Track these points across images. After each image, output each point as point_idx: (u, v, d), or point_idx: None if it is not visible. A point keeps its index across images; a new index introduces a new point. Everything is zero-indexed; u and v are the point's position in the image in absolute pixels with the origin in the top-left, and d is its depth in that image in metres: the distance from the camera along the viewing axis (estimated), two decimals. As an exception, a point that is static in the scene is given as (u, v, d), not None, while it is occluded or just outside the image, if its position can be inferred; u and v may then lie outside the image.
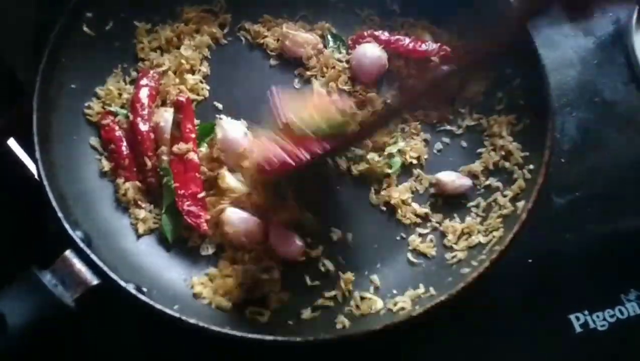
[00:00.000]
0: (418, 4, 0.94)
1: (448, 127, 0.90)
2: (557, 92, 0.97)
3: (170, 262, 0.81)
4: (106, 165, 0.85)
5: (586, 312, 0.83)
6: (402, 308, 0.76)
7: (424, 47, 0.90)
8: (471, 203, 0.84)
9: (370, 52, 0.90)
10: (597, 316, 0.83)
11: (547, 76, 0.81)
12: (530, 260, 0.86)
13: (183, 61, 0.91)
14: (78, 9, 0.85)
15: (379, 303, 0.78)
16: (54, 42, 0.82)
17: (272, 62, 0.94)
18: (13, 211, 0.89)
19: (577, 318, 0.82)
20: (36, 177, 0.80)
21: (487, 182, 0.85)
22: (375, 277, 0.81)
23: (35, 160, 0.76)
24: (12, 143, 0.93)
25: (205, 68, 0.92)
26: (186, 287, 0.79)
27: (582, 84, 1.00)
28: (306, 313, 0.77)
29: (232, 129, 0.83)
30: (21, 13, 1.03)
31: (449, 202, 0.85)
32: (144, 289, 0.72)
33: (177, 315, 0.67)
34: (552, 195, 0.91)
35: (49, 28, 0.86)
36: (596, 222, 0.89)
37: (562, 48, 1.03)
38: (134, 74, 0.91)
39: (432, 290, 0.76)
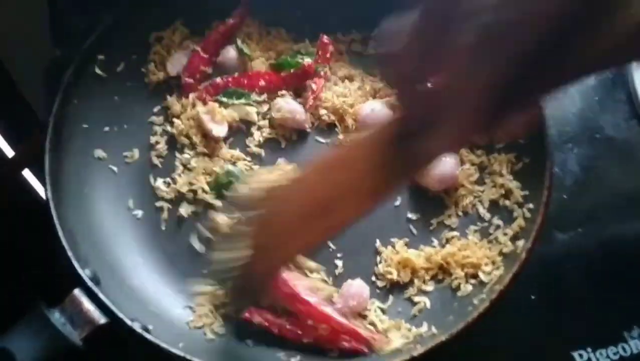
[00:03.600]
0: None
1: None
2: (559, 128, 0.98)
3: (176, 297, 0.83)
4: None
5: (589, 349, 0.83)
6: (406, 344, 0.76)
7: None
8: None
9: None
10: (601, 354, 0.82)
11: (546, 117, 0.82)
12: (533, 297, 0.86)
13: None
14: (90, 51, 0.88)
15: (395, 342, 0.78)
16: (67, 84, 0.85)
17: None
18: (24, 244, 0.91)
19: (580, 356, 0.82)
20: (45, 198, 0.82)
21: (488, 220, 0.86)
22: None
23: (46, 200, 0.78)
24: (26, 174, 0.96)
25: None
26: (191, 324, 0.81)
27: (584, 120, 1.00)
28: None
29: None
30: (39, 46, 1.06)
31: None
32: (150, 327, 0.74)
33: (181, 353, 0.69)
34: (555, 231, 0.91)
35: (64, 62, 0.90)
36: (599, 258, 0.89)
37: (563, 84, 1.04)
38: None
39: (433, 329, 0.77)
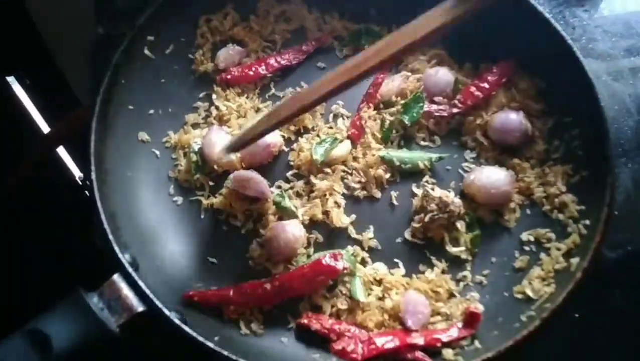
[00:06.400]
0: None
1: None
2: (613, 141, 0.93)
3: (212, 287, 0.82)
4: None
5: (633, 377, 0.80)
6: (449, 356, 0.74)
7: None
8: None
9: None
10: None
11: (609, 131, 0.78)
12: (577, 315, 0.82)
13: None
14: (141, 32, 0.87)
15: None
16: (115, 64, 0.83)
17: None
18: (61, 225, 0.91)
19: (623, 383, 0.79)
20: (80, 182, 0.83)
21: (538, 232, 0.82)
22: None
23: (90, 181, 0.77)
24: (61, 151, 0.97)
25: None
26: (226, 316, 0.79)
27: (640, 134, 0.97)
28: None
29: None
30: (80, 26, 1.05)
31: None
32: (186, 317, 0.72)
33: (217, 348, 0.67)
34: (603, 249, 0.87)
35: (107, 42, 0.88)
36: (649, 279, 0.86)
37: (620, 96, 1.00)
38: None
39: (476, 343, 0.74)
